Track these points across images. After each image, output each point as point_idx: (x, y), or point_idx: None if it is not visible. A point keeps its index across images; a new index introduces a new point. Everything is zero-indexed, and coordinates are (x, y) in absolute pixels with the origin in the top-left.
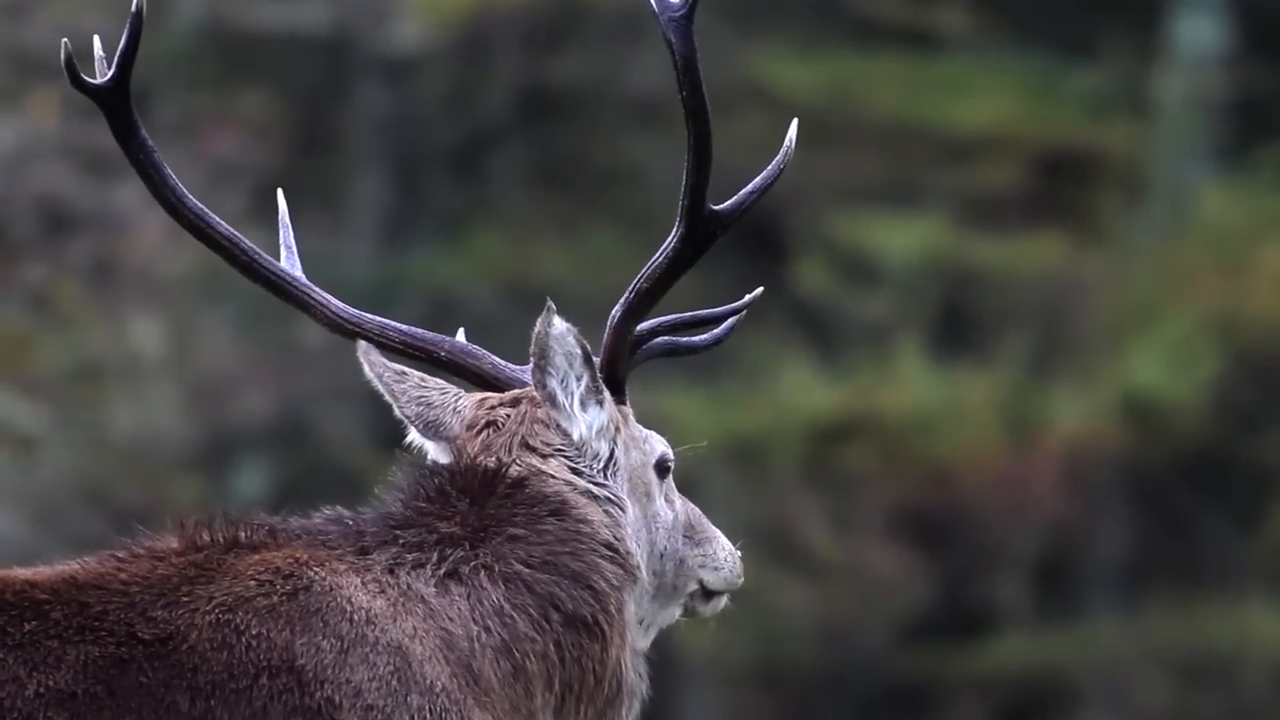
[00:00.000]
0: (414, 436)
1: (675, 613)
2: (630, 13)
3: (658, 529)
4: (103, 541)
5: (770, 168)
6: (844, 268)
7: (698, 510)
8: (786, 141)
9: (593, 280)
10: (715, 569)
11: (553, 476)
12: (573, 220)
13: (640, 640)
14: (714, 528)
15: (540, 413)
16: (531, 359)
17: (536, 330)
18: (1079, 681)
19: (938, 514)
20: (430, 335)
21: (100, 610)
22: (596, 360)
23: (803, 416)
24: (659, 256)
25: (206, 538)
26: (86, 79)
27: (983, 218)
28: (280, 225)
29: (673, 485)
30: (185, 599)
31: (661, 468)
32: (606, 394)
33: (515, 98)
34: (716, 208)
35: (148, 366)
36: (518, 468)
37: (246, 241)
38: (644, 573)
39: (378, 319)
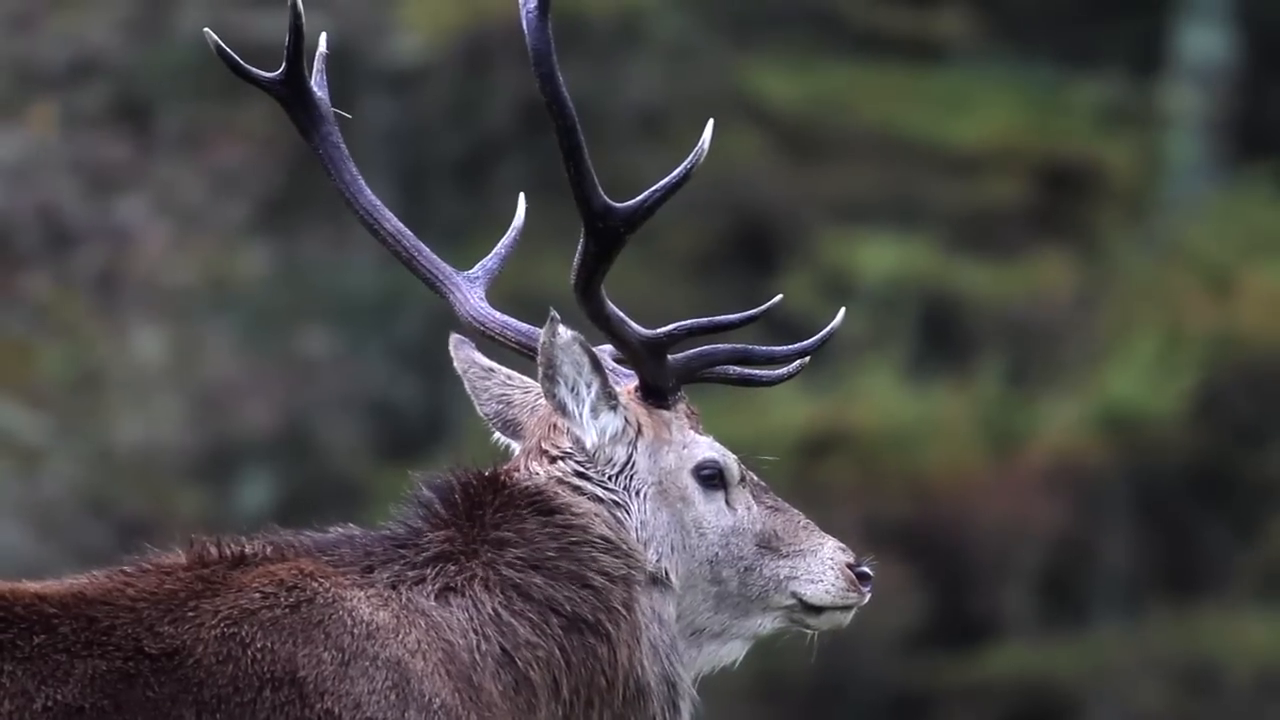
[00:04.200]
0: (496, 435)
1: (764, 623)
2: (627, 26)
3: (704, 534)
4: (107, 552)
5: (679, 169)
6: (834, 284)
7: (795, 523)
8: (700, 144)
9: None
10: (812, 582)
11: (543, 477)
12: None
13: (681, 643)
14: (819, 541)
15: (556, 418)
16: (539, 369)
17: (542, 341)
18: (1080, 690)
19: (932, 527)
20: None
21: (108, 625)
22: (607, 366)
23: (789, 430)
24: (575, 260)
25: (214, 553)
26: (259, 73)
27: (981, 233)
28: (511, 230)
29: (745, 494)
30: (191, 614)
31: (700, 473)
32: (621, 399)
33: (516, 110)
34: (616, 205)
35: (151, 377)
36: (517, 474)
37: (411, 238)
38: (669, 576)
39: (500, 317)
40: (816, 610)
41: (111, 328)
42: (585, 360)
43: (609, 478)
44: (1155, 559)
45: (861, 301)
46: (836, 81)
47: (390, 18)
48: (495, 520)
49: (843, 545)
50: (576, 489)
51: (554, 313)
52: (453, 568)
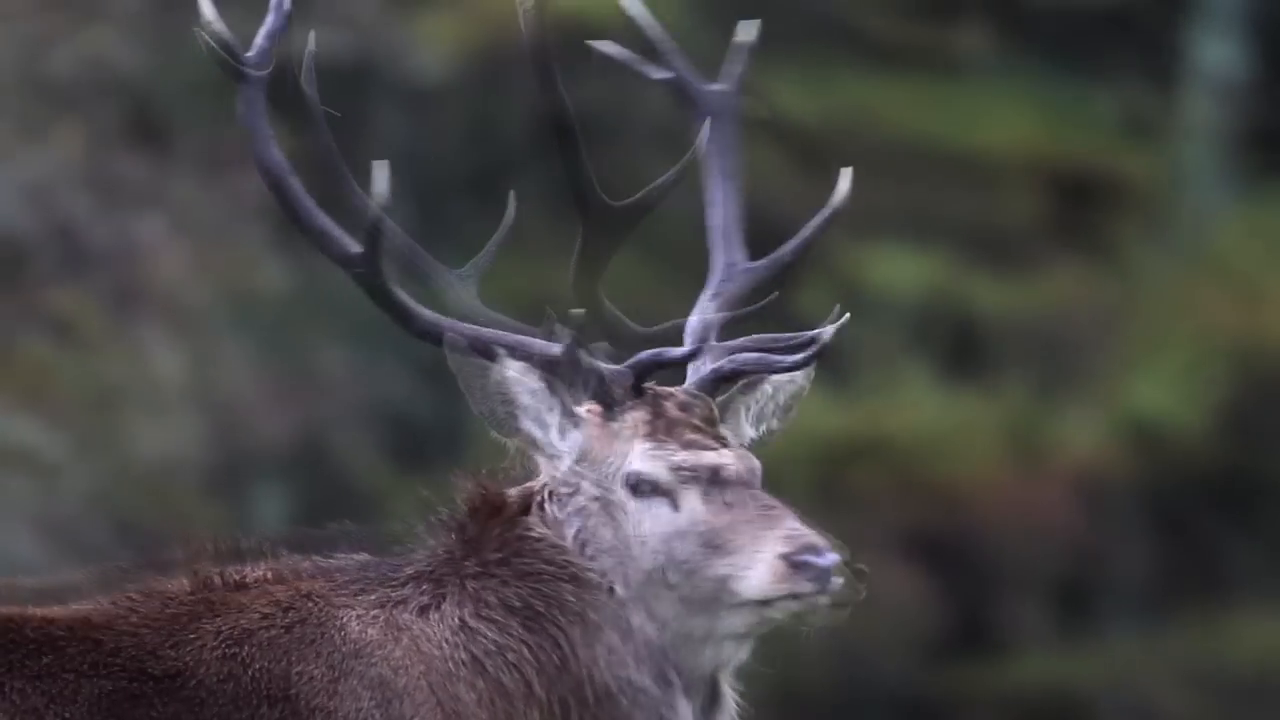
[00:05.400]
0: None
1: (734, 623)
2: (642, 39)
3: (644, 542)
4: (123, 570)
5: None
6: (851, 298)
7: (744, 519)
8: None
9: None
10: (740, 577)
11: (518, 496)
12: None
13: (670, 651)
14: (762, 533)
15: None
16: (496, 407)
17: (491, 378)
18: (1098, 702)
19: (951, 536)
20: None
21: (113, 648)
22: (561, 386)
23: (814, 439)
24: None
25: (217, 580)
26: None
27: (997, 245)
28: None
29: (696, 496)
30: (193, 636)
31: (634, 483)
32: (582, 414)
33: (532, 126)
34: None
35: (168, 393)
36: (495, 492)
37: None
38: (622, 586)
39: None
40: (763, 603)
41: (128, 344)
42: (539, 386)
43: (566, 496)
44: (1174, 568)
45: (881, 315)
46: (853, 93)
47: (408, 34)
48: (473, 539)
49: (790, 534)
50: (539, 507)
51: (499, 349)
52: (431, 585)
